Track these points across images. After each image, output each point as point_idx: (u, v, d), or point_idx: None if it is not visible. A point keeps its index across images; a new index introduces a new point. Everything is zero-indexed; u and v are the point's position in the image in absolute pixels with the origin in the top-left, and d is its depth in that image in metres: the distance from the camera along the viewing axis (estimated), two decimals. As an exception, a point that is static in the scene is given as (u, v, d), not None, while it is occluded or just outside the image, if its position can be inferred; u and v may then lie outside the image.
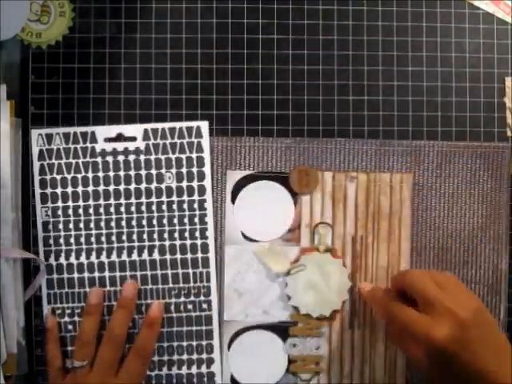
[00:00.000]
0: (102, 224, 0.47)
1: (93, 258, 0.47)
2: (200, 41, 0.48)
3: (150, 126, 0.47)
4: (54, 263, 0.47)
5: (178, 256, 0.47)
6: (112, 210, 0.47)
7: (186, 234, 0.47)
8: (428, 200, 0.48)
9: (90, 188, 0.47)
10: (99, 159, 0.47)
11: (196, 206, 0.47)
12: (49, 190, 0.47)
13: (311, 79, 0.48)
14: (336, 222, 0.48)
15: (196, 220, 0.47)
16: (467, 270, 0.49)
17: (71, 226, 0.47)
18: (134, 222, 0.47)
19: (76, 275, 0.47)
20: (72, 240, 0.47)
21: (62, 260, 0.47)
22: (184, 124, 0.47)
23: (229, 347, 0.48)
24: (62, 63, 0.47)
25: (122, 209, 0.47)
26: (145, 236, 0.47)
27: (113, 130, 0.47)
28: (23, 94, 0.47)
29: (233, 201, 0.48)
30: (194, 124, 0.47)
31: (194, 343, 0.47)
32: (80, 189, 0.47)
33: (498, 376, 0.37)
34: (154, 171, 0.47)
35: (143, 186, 0.47)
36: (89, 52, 0.47)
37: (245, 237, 0.48)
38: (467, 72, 0.49)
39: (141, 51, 0.48)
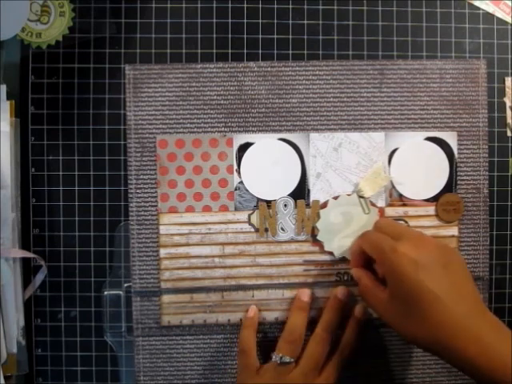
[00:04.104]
0: None
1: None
2: (200, 41, 0.48)
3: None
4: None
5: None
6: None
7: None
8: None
9: None
10: None
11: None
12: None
13: (311, 79, 0.48)
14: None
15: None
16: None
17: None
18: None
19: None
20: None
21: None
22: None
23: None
24: (62, 63, 0.47)
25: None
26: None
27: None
28: (23, 93, 0.47)
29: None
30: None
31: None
32: None
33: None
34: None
35: None
36: (89, 52, 0.47)
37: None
38: (467, 72, 0.49)
39: (141, 51, 0.48)
